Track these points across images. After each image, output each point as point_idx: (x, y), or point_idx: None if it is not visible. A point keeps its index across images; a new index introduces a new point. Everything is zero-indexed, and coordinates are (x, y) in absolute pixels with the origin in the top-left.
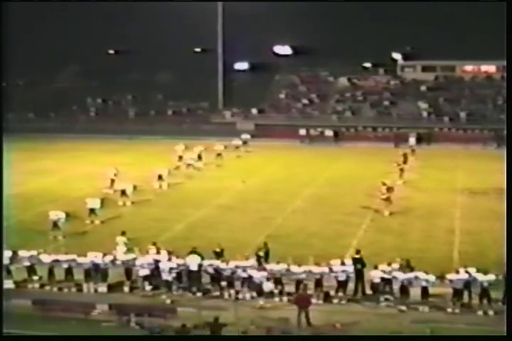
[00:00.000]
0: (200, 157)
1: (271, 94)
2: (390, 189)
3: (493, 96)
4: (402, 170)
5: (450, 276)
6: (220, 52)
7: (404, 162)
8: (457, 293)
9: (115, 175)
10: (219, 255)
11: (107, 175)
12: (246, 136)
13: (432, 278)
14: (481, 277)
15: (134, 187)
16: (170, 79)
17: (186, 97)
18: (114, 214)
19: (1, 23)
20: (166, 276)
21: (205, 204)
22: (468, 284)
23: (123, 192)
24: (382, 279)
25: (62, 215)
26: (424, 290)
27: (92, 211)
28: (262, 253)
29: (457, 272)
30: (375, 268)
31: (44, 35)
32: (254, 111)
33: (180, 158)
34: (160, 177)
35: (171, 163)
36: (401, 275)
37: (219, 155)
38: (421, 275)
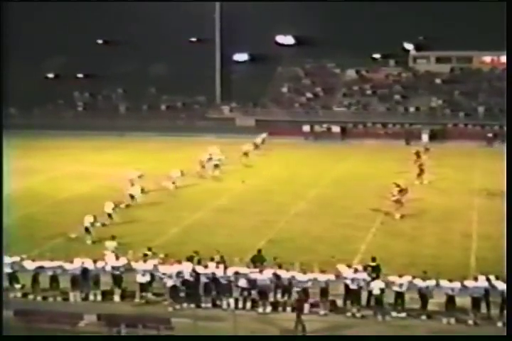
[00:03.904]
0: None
1: (273, 88)
2: (402, 191)
3: None
4: (422, 169)
5: (468, 284)
6: (217, 42)
7: (417, 161)
8: (476, 302)
9: (139, 177)
10: (218, 263)
11: (129, 176)
12: (263, 135)
13: (457, 285)
14: (501, 285)
15: (142, 190)
16: (163, 71)
17: (181, 91)
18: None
19: (1, 22)
20: (170, 283)
21: (202, 207)
22: (487, 293)
23: (132, 196)
24: (382, 291)
25: (91, 219)
26: (450, 300)
27: (109, 215)
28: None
29: (476, 279)
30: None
31: (25, 23)
32: (254, 106)
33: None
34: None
35: (167, 162)
36: (420, 283)
37: (245, 154)
38: (444, 283)
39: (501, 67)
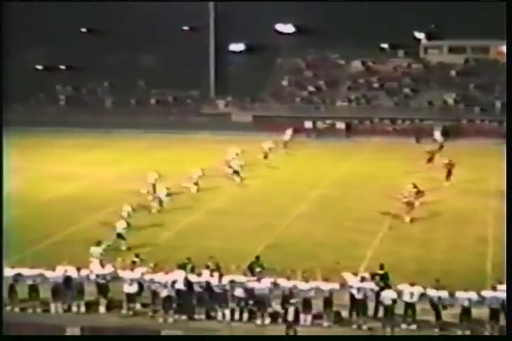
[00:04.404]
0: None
1: (271, 81)
2: (419, 193)
3: None
4: (450, 170)
5: (485, 294)
6: (212, 30)
7: (430, 160)
8: (494, 314)
9: (156, 179)
10: (213, 271)
11: (147, 179)
12: (289, 132)
13: (474, 296)
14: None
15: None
16: (153, 62)
17: (172, 84)
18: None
19: (1, 22)
20: (164, 293)
21: (196, 209)
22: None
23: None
24: (394, 301)
25: (124, 225)
26: (465, 311)
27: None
28: (258, 269)
29: (494, 288)
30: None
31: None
32: (251, 100)
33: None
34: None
35: (157, 162)
36: (433, 293)
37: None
38: (460, 293)
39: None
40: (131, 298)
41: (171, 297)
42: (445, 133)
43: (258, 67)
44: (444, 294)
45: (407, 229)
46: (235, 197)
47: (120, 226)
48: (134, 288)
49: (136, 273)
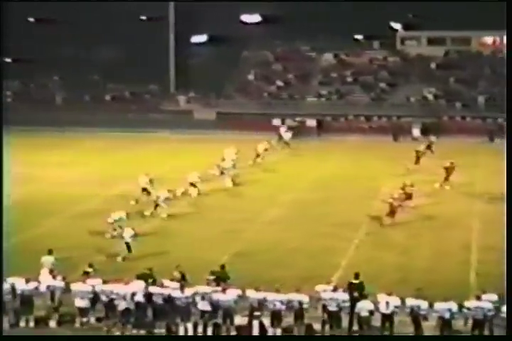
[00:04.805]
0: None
1: (237, 75)
2: (407, 196)
3: None
4: (449, 173)
5: (469, 304)
6: (172, 20)
7: (418, 160)
8: (477, 326)
9: (148, 183)
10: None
11: (138, 182)
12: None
13: (454, 307)
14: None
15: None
16: (109, 55)
17: (130, 78)
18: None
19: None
20: (123, 306)
21: (154, 215)
22: (491, 314)
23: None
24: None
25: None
26: (446, 323)
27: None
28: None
29: (478, 298)
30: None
31: None
32: (215, 96)
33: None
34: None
35: (117, 163)
36: (412, 303)
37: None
38: (439, 304)
39: (505, 51)
40: (83, 311)
41: (130, 310)
42: (425, 131)
43: (222, 60)
44: (424, 304)
45: (387, 235)
46: (198, 201)
47: (127, 234)
48: (86, 302)
49: (89, 285)
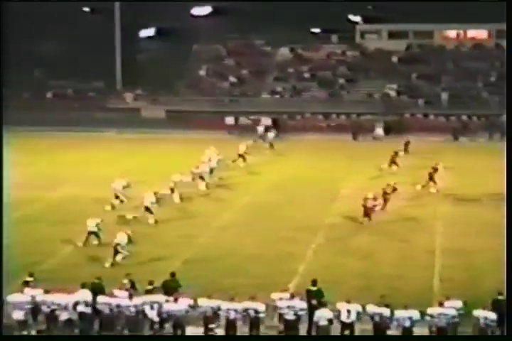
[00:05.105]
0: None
1: (187, 71)
2: (386, 197)
3: (485, 70)
4: (431, 174)
5: (431, 311)
6: (117, 13)
7: (393, 162)
8: (441, 333)
9: (124, 187)
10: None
11: (115, 188)
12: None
13: (416, 314)
14: (478, 312)
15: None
16: (50, 49)
17: (73, 74)
18: None
19: (1, 23)
20: (64, 316)
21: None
22: (455, 322)
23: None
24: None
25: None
26: (406, 332)
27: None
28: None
29: (441, 305)
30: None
31: None
32: (164, 93)
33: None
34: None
35: (63, 165)
36: (375, 310)
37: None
38: (400, 312)
39: (469, 44)
40: (22, 324)
41: (72, 321)
42: (386, 129)
43: (172, 54)
44: (386, 312)
45: (348, 240)
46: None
47: (121, 239)
48: (23, 313)
49: (27, 296)
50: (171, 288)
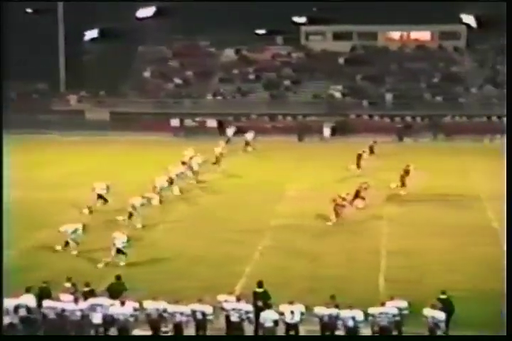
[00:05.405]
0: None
1: (132, 72)
2: (355, 197)
3: (428, 72)
4: (403, 176)
5: (372, 310)
6: (60, 14)
7: (358, 164)
8: (384, 333)
9: (105, 189)
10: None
11: (97, 190)
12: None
13: (359, 314)
14: (426, 311)
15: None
16: None
17: (15, 76)
18: None
19: (1, 23)
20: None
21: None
22: (398, 321)
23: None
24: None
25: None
26: (351, 332)
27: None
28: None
29: (383, 304)
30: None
31: None
32: (108, 94)
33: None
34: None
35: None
36: (323, 311)
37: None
38: (343, 311)
39: (412, 45)
40: None
41: (14, 325)
42: (333, 130)
43: (116, 56)
44: (334, 312)
45: (295, 241)
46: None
47: (120, 240)
48: None
49: None
50: (116, 292)
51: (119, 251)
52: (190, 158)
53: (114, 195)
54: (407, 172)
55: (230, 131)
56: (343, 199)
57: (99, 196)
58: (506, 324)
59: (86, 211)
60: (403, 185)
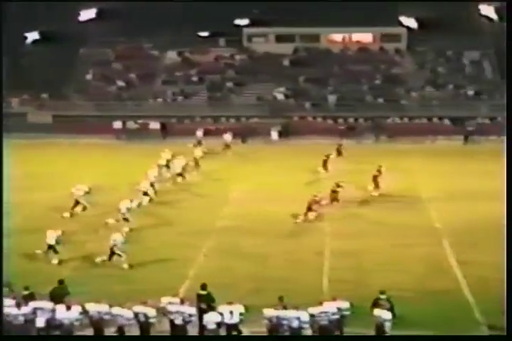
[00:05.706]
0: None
1: (74, 75)
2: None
3: (370, 74)
4: (376, 177)
5: (312, 310)
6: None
7: (325, 166)
8: (324, 332)
9: (86, 192)
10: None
11: (76, 193)
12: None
13: (305, 316)
14: (375, 311)
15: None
16: None
17: None
18: None
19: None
20: None
21: None
22: (338, 319)
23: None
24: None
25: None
26: (294, 332)
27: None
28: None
29: (320, 304)
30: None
31: None
32: (51, 97)
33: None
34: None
35: None
36: (272, 312)
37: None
38: (289, 312)
39: (354, 48)
40: None
41: None
42: (279, 133)
43: (58, 58)
44: (282, 314)
45: (239, 243)
46: (29, 211)
47: (118, 239)
48: None
49: None
50: (59, 296)
51: (113, 253)
52: (168, 161)
53: (58, 198)
54: (379, 173)
55: (199, 133)
56: (320, 199)
57: (77, 202)
58: (506, 324)
59: (67, 214)
60: (376, 186)
